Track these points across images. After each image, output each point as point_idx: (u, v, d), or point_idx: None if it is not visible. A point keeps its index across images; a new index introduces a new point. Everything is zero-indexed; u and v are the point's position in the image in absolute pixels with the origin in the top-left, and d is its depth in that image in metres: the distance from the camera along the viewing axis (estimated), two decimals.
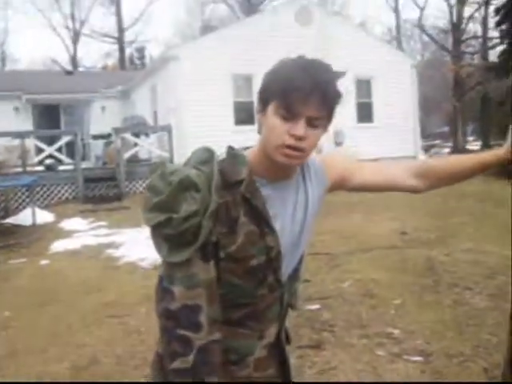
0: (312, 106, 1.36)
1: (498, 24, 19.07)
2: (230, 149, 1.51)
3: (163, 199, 1.32)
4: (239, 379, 1.52)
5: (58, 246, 9.26)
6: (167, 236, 1.35)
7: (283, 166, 1.44)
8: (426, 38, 41.63)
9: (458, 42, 34.06)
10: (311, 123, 1.39)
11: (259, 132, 1.48)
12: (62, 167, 15.37)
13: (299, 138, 1.37)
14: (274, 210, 1.48)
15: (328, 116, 1.43)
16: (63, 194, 14.30)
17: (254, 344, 1.54)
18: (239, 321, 1.50)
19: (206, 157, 1.41)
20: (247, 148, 1.55)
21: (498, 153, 1.66)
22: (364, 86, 19.23)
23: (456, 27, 34.28)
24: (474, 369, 3.64)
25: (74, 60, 45.65)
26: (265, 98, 1.43)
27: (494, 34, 27.79)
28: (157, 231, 1.37)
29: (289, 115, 1.37)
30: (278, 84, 1.39)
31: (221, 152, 1.50)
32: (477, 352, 3.88)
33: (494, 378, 3.37)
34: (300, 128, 1.37)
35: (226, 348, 1.45)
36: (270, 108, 1.41)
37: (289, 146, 1.39)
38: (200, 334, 1.35)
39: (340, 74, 1.57)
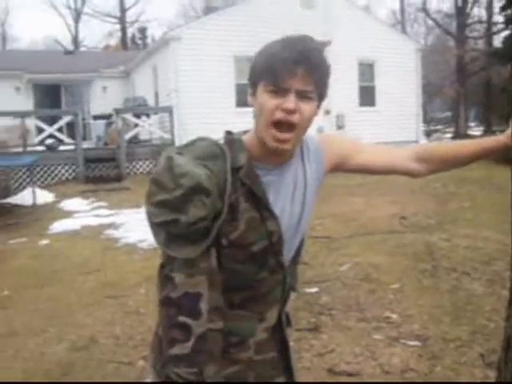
0: (299, 77, 1.35)
1: (503, 9, 18.90)
2: (228, 134, 1.50)
3: (171, 199, 1.28)
4: (240, 362, 1.51)
5: (58, 226, 9.28)
6: (171, 234, 1.33)
7: (276, 151, 1.43)
8: (430, 22, 41.32)
9: (462, 26, 33.76)
10: (302, 96, 1.36)
11: (254, 116, 1.46)
12: (62, 147, 15.31)
13: (290, 112, 1.35)
14: (273, 194, 1.47)
15: (318, 88, 1.40)
16: (63, 174, 14.29)
17: (255, 326, 1.53)
18: (240, 303, 1.50)
19: (214, 152, 1.37)
20: (246, 132, 1.53)
21: (499, 138, 1.64)
22: (367, 70, 19.12)
23: (460, 11, 33.97)
24: (471, 354, 3.66)
25: (75, 40, 45.38)
26: (253, 79, 1.42)
27: (498, 18, 27.58)
28: (160, 227, 1.34)
29: (277, 90, 1.35)
30: (264, 62, 1.37)
31: (218, 137, 1.48)
32: (474, 337, 3.90)
33: (490, 364, 3.38)
34: (290, 101, 1.35)
35: (226, 330, 1.44)
36: (260, 88, 1.39)
37: (278, 122, 1.37)
38: (200, 321, 1.33)
39: (325, 44, 1.55)
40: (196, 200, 1.28)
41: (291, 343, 1.69)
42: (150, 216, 1.34)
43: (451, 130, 34.72)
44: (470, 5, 34.44)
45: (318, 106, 1.45)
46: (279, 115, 1.36)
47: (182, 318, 1.33)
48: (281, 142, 1.39)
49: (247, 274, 1.47)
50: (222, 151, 1.38)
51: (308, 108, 1.39)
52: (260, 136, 1.43)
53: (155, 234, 1.38)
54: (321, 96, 1.43)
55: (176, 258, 1.35)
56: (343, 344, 3.92)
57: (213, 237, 1.34)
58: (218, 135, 1.52)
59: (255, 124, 1.45)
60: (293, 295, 1.67)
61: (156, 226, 1.35)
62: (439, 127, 38.84)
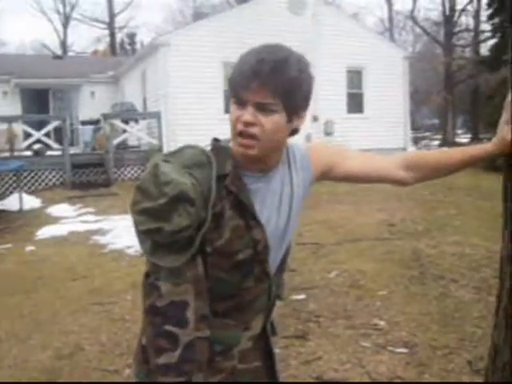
0: (254, 90, 1.33)
1: (491, 17, 19.11)
2: (215, 141, 1.49)
3: (155, 208, 1.27)
4: (224, 371, 1.50)
5: (45, 232, 9.21)
6: (156, 242, 1.32)
7: (246, 157, 1.41)
8: (418, 30, 41.62)
9: (449, 34, 34.05)
10: (261, 108, 1.35)
11: None
12: (50, 152, 15.23)
13: (248, 124, 1.35)
14: (259, 203, 1.46)
15: (283, 99, 1.35)
16: (51, 180, 14.20)
17: (239, 335, 1.52)
18: (224, 312, 1.48)
19: (201, 160, 1.36)
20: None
21: (486, 147, 1.63)
22: (355, 77, 19.19)
23: (448, 19, 34.27)
24: (459, 361, 3.65)
25: (64, 45, 45.23)
26: (228, 90, 1.43)
27: (486, 27, 27.80)
28: (144, 235, 1.34)
29: (239, 102, 1.36)
30: (232, 74, 1.39)
31: (205, 144, 1.47)
32: (461, 344, 3.90)
33: (477, 371, 3.38)
34: (246, 114, 1.34)
35: (212, 339, 1.43)
36: (231, 99, 1.41)
37: (240, 134, 1.37)
38: (187, 330, 1.32)
39: (293, 54, 1.50)
40: (180, 209, 1.27)
41: (277, 351, 1.68)
42: (135, 224, 1.33)
43: (439, 137, 34.94)
44: (457, 13, 34.74)
45: (291, 117, 1.41)
46: (240, 127, 1.36)
47: (168, 327, 1.32)
48: (245, 148, 1.38)
49: (232, 282, 1.46)
50: (208, 159, 1.37)
51: (269, 120, 1.36)
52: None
53: (141, 242, 1.37)
54: (290, 107, 1.38)
55: (162, 267, 1.34)
56: (330, 351, 3.90)
57: (197, 246, 1.33)
58: (206, 141, 1.51)
59: None
60: (278, 302, 1.66)
61: (141, 234, 1.34)
62: (427, 134, 39.07)
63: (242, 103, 1.35)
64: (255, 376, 1.58)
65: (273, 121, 1.36)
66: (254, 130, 1.35)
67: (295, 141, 1.59)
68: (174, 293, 1.33)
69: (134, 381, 1.52)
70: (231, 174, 1.41)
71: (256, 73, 1.32)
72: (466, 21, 37.32)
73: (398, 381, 3.44)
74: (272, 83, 1.33)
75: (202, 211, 1.31)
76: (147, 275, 1.38)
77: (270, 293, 1.55)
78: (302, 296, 5.07)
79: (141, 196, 1.30)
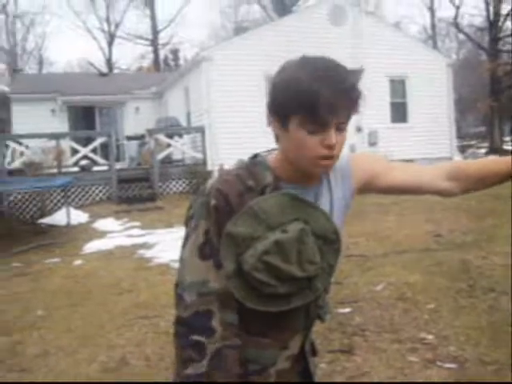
0: (341, 114, 1.32)
1: None
2: (253, 157, 1.48)
3: (284, 271, 1.32)
4: None
5: (92, 246, 9.37)
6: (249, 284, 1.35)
7: (314, 173, 1.43)
8: (461, 37, 40.98)
9: (494, 40, 33.36)
10: (339, 128, 1.34)
11: (277, 142, 1.43)
12: (96, 168, 15.54)
13: (332, 147, 1.34)
14: None
15: (351, 117, 1.39)
16: (97, 195, 14.46)
17: (277, 354, 1.48)
18: (261, 331, 1.45)
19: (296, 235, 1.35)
20: (271, 151, 1.50)
21: None
22: (398, 86, 18.99)
23: (493, 25, 33.60)
24: (510, 377, 3.53)
25: (109, 62, 46.18)
26: (283, 112, 1.35)
27: None
28: (250, 279, 1.34)
29: (318, 128, 1.32)
30: (299, 98, 1.30)
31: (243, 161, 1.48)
32: None
33: None
34: (332, 138, 1.32)
35: (246, 358, 1.41)
36: (293, 122, 1.33)
37: (324, 157, 1.35)
38: (213, 339, 1.31)
39: (360, 73, 1.50)
40: (299, 285, 1.36)
41: (322, 365, 1.64)
42: (249, 265, 1.32)
43: (485, 145, 34.19)
44: (502, 18, 33.99)
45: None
46: (323, 152, 1.34)
47: (194, 337, 1.32)
48: (325, 168, 1.40)
49: None
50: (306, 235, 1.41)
51: (343, 138, 1.38)
52: (299, 165, 1.40)
53: (224, 258, 1.35)
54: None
55: (186, 276, 1.35)
56: (377, 366, 3.82)
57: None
58: (250, 155, 1.50)
59: (285, 151, 1.41)
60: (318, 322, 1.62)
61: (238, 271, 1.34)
62: (473, 143, 38.27)
63: (322, 126, 1.32)
64: None
65: (345, 136, 1.39)
66: (335, 151, 1.36)
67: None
68: (198, 303, 1.33)
69: None
70: (271, 185, 1.40)
71: (344, 98, 1.31)
72: None
73: None
74: (355, 104, 1.35)
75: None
76: (176, 285, 1.39)
77: (309, 312, 1.51)
78: (347, 309, 5.00)
79: (275, 250, 1.32)
